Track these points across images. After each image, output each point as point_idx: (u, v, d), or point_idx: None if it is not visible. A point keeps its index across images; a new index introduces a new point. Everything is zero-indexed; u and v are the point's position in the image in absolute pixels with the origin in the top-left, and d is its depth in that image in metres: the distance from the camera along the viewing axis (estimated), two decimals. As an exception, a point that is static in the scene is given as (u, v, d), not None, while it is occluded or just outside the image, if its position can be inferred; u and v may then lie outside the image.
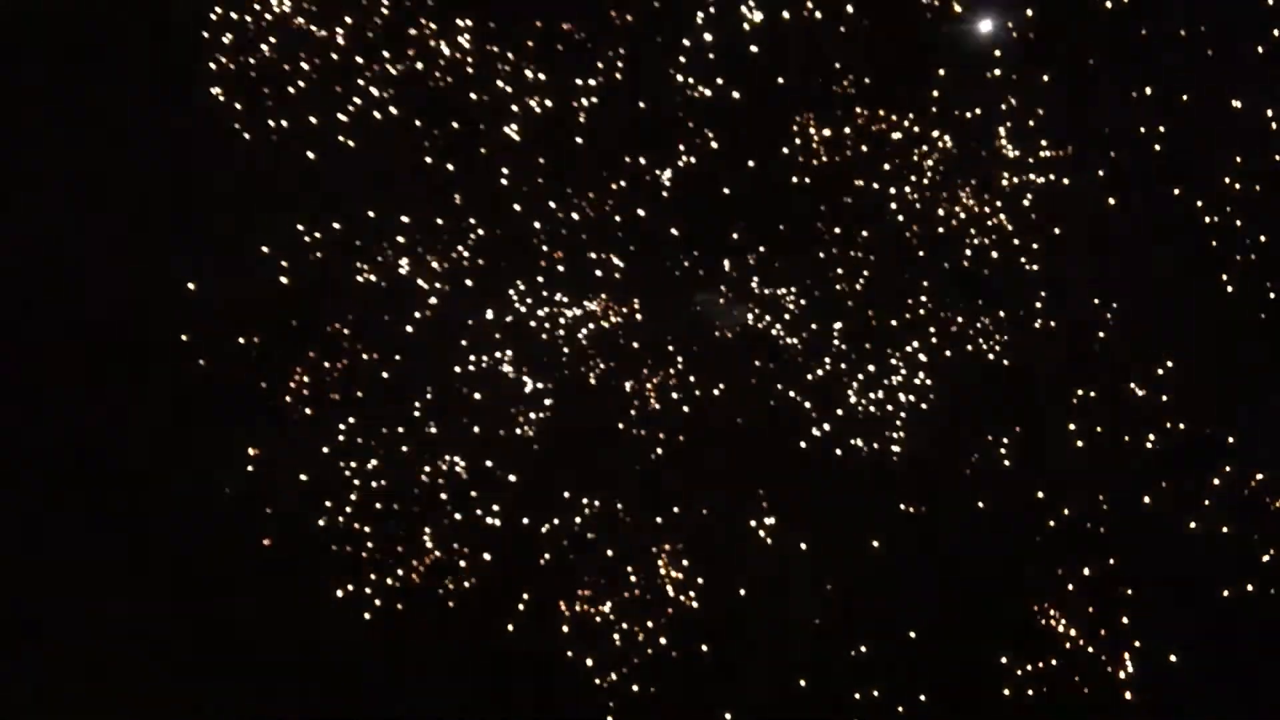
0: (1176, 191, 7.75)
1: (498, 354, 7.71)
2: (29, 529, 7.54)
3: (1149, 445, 7.67)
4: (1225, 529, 7.58)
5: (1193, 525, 7.59)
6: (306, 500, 7.54)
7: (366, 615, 7.51)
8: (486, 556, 7.57)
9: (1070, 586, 7.59)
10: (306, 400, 7.64)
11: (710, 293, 7.79)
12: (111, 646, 7.50)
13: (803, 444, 7.68)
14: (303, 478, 7.55)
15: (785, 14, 7.54)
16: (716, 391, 7.73)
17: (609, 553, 7.58)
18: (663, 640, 7.52)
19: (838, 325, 7.76)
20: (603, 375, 7.73)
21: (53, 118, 7.75)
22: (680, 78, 7.66)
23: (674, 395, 7.73)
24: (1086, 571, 7.58)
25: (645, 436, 7.69)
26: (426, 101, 7.74)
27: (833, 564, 7.57)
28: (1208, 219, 7.74)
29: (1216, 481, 7.64)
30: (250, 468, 7.56)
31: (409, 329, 7.70)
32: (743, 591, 7.51)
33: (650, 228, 7.76)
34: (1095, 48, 7.77)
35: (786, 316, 7.77)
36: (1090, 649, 7.51)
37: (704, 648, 7.51)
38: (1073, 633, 7.53)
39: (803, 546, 7.56)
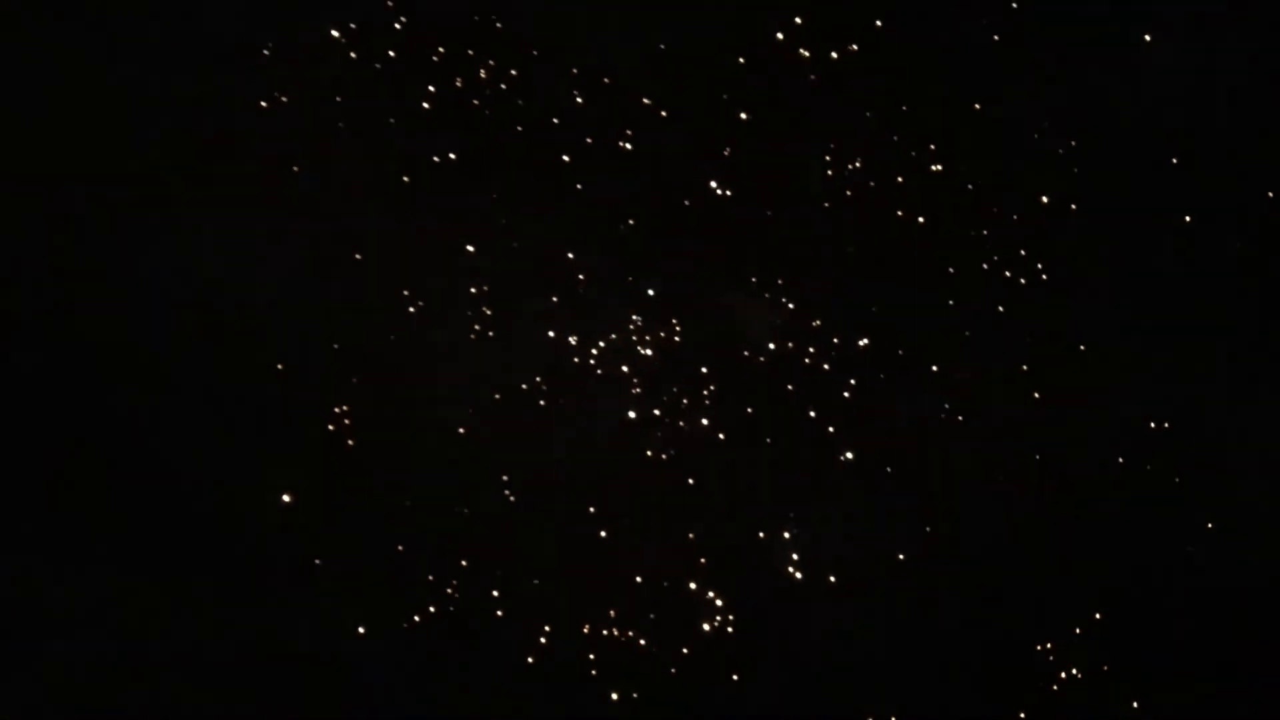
0: (1195, 219, 7.81)
1: (531, 378, 7.72)
2: (49, 542, 7.55)
3: (1169, 479, 7.71)
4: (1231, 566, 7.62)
5: (1200, 560, 7.63)
6: (349, 525, 7.58)
7: (397, 639, 7.50)
8: (518, 580, 7.57)
9: (1078, 630, 7.60)
10: (349, 428, 7.65)
11: (740, 292, 7.81)
12: (134, 658, 7.49)
13: (833, 467, 7.71)
14: (343, 504, 7.59)
15: (834, 54, 7.63)
16: (746, 412, 7.73)
17: (638, 578, 7.58)
18: (691, 665, 7.51)
19: (864, 343, 7.78)
20: (634, 398, 7.73)
21: (95, 133, 7.77)
22: (723, 105, 7.75)
23: (704, 421, 7.73)
24: (1097, 615, 7.61)
25: (675, 459, 7.69)
26: (471, 130, 7.78)
27: (860, 590, 7.59)
28: (1230, 249, 7.81)
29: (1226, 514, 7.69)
30: (288, 498, 7.59)
31: (445, 354, 7.71)
32: (773, 616, 7.54)
33: (684, 252, 7.80)
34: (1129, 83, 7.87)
35: (817, 339, 7.78)
36: (1092, 690, 7.53)
37: (734, 676, 7.50)
38: (1074, 672, 7.52)
39: (831, 580, 7.58)
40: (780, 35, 7.78)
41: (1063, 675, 7.55)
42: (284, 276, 7.72)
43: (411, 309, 7.72)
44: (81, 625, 7.45)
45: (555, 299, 7.77)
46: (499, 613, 7.54)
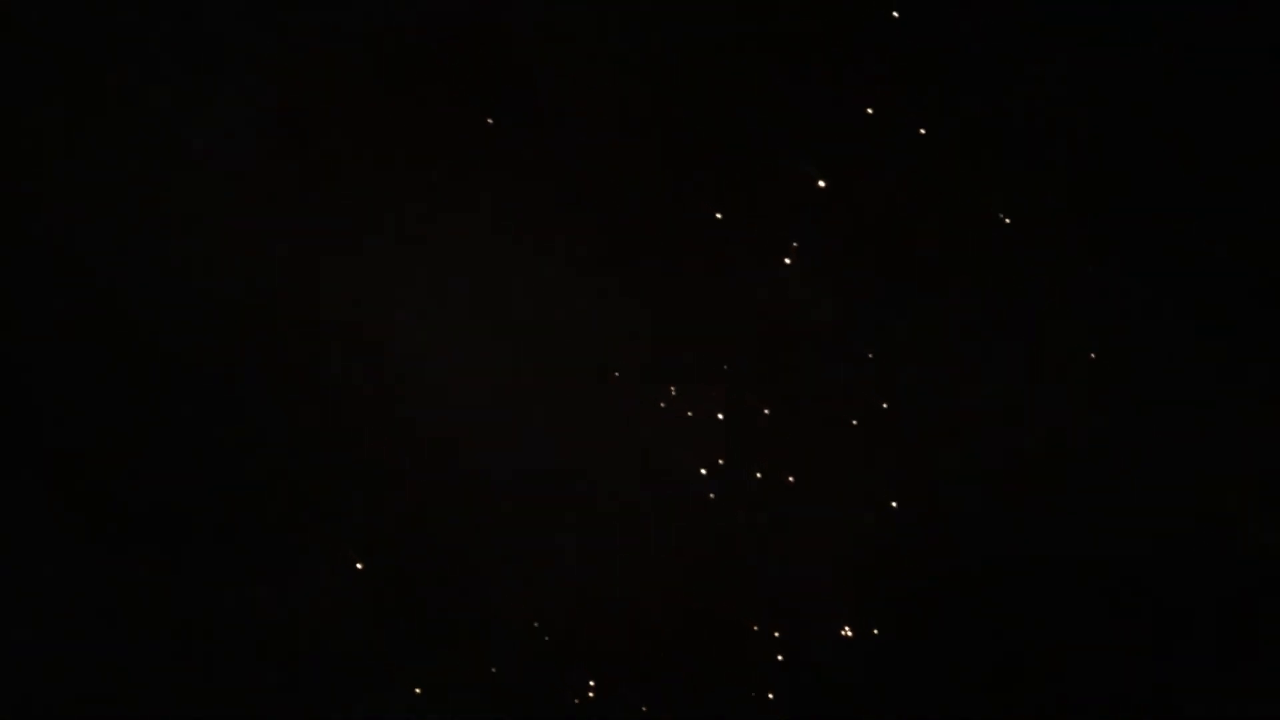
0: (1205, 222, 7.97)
1: (573, 439, 7.72)
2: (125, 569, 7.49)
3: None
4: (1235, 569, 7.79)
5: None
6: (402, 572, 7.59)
7: (438, 687, 7.53)
8: (560, 630, 7.62)
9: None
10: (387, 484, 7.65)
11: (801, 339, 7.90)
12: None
13: (885, 512, 7.82)
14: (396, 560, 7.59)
15: (922, 131, 7.75)
16: (791, 481, 7.82)
17: (697, 622, 7.66)
18: (751, 709, 7.63)
19: (912, 395, 7.89)
20: (679, 460, 7.78)
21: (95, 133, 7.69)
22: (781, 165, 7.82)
23: (759, 474, 7.80)
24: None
25: (722, 518, 7.77)
26: (512, 183, 7.75)
27: (914, 640, 7.73)
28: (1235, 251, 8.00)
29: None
30: (359, 564, 7.55)
31: (483, 418, 7.69)
32: (830, 663, 7.66)
33: (749, 299, 7.85)
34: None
35: (867, 390, 7.88)
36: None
37: (786, 722, 7.65)
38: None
39: (875, 631, 7.73)
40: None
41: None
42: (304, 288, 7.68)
43: (461, 358, 7.70)
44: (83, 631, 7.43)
45: (620, 349, 7.78)
46: (551, 651, 7.55)
